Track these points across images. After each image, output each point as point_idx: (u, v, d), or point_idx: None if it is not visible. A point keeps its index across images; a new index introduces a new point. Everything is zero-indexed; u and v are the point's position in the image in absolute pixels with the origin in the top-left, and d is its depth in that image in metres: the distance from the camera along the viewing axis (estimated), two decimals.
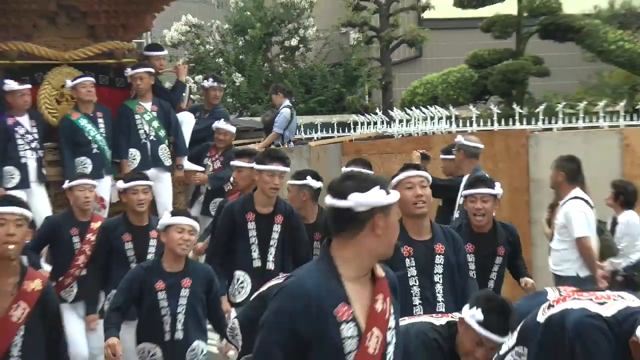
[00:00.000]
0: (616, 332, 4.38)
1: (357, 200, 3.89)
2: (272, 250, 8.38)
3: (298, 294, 3.90)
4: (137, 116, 10.49)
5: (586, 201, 9.20)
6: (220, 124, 11.61)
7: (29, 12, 9.98)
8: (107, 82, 10.49)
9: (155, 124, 10.54)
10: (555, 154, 10.26)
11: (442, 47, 22.48)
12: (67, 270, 8.91)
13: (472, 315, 5.19)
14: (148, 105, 10.51)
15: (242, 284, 8.50)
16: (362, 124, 15.92)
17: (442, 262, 6.99)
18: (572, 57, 19.00)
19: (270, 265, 8.35)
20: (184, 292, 7.34)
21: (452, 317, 5.51)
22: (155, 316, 7.25)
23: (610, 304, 4.58)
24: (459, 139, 10.23)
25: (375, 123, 15.74)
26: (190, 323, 7.42)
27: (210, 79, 12.56)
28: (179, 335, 7.35)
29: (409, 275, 6.78)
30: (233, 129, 11.90)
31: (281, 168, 8.27)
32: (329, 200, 3.98)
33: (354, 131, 15.63)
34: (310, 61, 24.30)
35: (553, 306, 4.88)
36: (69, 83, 10.16)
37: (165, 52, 11.95)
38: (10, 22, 9.89)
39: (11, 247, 5.92)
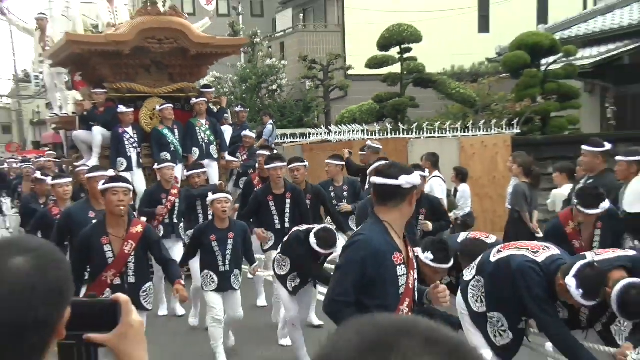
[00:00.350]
0: (545, 272, 4.55)
1: (406, 180, 3.73)
2: (287, 216, 8.54)
3: (367, 246, 3.82)
4: (197, 128, 12.26)
5: (442, 178, 10.59)
6: (246, 132, 13.37)
7: (134, 65, 12.15)
8: (179, 107, 12.34)
9: (208, 132, 12.30)
10: (423, 152, 11.45)
11: (358, 91, 24.76)
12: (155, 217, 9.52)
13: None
14: (203, 121, 12.34)
15: (268, 240, 8.83)
16: (314, 134, 17.19)
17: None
18: (431, 97, 20.57)
19: (287, 225, 8.46)
20: (230, 242, 7.32)
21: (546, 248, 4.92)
22: (212, 256, 7.33)
23: (541, 252, 4.66)
24: (368, 143, 11.94)
25: (321, 134, 17.09)
26: (232, 260, 7.40)
27: (240, 106, 14.47)
28: (227, 267, 7.33)
29: None
30: (253, 136, 13.73)
31: (279, 164, 8.68)
32: (380, 180, 3.81)
33: (309, 138, 16.92)
34: (283, 98, 27.75)
35: (501, 251, 4.89)
36: (158, 107, 12.08)
37: (213, 89, 13.90)
38: (122, 70, 12.13)
39: (122, 208, 5.98)
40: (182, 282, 6.28)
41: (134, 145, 11.67)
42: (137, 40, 11.40)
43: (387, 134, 14.78)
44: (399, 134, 14.70)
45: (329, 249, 6.91)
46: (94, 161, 11.21)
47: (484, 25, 25.82)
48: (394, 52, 18.20)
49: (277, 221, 8.52)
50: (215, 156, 12.21)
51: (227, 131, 12.86)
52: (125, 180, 6.14)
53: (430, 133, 14.50)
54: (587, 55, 17.87)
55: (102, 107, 11.85)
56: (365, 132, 15.02)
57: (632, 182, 6.93)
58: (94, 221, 6.34)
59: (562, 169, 8.78)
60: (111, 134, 11.61)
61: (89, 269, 6.01)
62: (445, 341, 0.86)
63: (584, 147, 7.48)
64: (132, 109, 11.78)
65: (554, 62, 17.11)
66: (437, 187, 9.81)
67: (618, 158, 7.20)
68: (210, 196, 7.32)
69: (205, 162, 11.62)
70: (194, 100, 12.13)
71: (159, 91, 12.01)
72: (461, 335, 4.69)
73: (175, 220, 9.55)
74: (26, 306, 1.28)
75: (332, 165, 9.79)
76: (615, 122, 17.48)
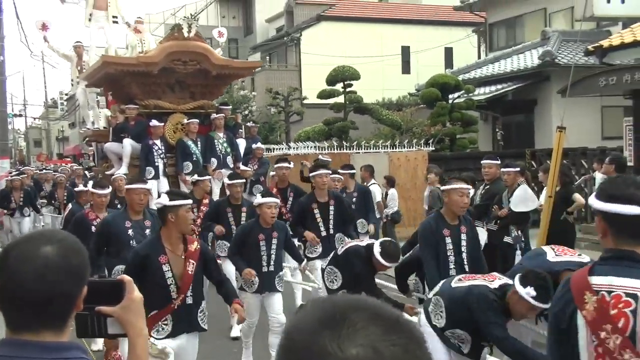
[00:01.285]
0: (498, 296, 3.97)
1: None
2: (331, 223, 7.17)
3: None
4: (215, 140, 11.13)
5: (377, 184, 10.59)
6: (257, 144, 12.18)
7: (161, 84, 11.11)
8: (200, 122, 11.08)
9: (225, 144, 11.19)
10: (362, 164, 11.32)
11: (311, 116, 24.20)
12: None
13: (527, 292, 3.74)
14: (221, 134, 11.27)
15: (315, 247, 7.12)
16: (277, 149, 17.36)
17: None
18: (367, 121, 20.42)
19: (332, 231, 7.21)
20: (274, 242, 5.90)
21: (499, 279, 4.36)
22: (257, 256, 5.82)
23: (495, 282, 4.05)
24: (320, 157, 11.81)
25: (282, 148, 17.42)
26: (276, 260, 5.96)
27: (252, 122, 13.81)
28: (271, 267, 5.90)
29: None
30: (263, 147, 12.82)
31: (324, 171, 7.36)
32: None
33: (273, 152, 16.30)
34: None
35: (461, 280, 4.28)
36: (185, 121, 11.05)
37: (230, 107, 12.36)
38: (150, 89, 11.11)
39: (192, 227, 5.39)
40: (240, 301, 4.95)
41: (161, 155, 10.69)
42: (164, 61, 10.61)
43: (334, 150, 15.25)
44: (343, 150, 15.07)
45: (392, 262, 5.30)
46: (123, 170, 10.34)
47: (406, 68, 27.82)
48: (339, 86, 18.57)
49: (322, 228, 7.09)
50: (231, 165, 11.09)
51: (241, 144, 11.75)
52: (187, 196, 4.63)
53: (367, 149, 14.68)
54: (482, 93, 18.79)
55: (133, 120, 10.94)
56: (317, 147, 15.20)
57: (517, 189, 7.08)
58: (148, 238, 4.91)
59: (466, 178, 7.90)
60: (141, 145, 10.65)
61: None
62: (388, 315, 0.85)
63: (488, 161, 7.61)
64: (162, 124, 10.91)
65: (458, 97, 17.96)
66: (376, 191, 9.83)
67: (506, 170, 7.33)
68: (259, 199, 5.94)
69: (223, 171, 10.87)
70: (214, 116, 11.19)
71: (182, 108, 11.09)
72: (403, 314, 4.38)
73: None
74: (53, 282, 1.35)
75: (344, 175, 8.52)
76: (503, 142, 18.28)
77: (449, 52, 27.37)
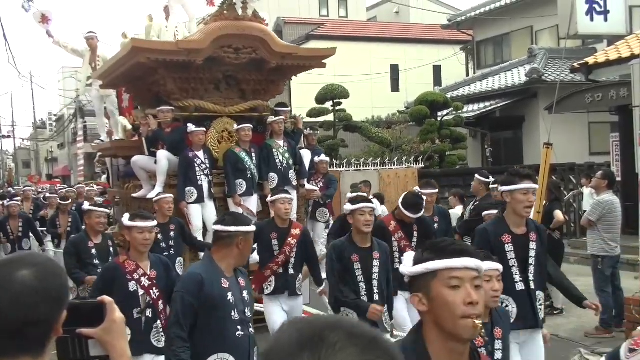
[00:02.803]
0: None
1: None
2: (532, 269, 4.00)
3: None
4: (274, 150, 8.05)
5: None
6: (321, 157, 9.21)
7: (204, 80, 7.91)
8: (252, 128, 7.95)
9: (287, 155, 8.07)
10: (352, 181, 11.03)
11: None
12: (266, 265, 5.61)
13: None
14: (281, 142, 8.15)
15: None
16: None
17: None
18: (357, 139, 19.32)
19: (532, 285, 4.05)
20: (375, 262, 4.58)
21: None
22: (353, 278, 4.57)
23: None
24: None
25: None
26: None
27: (309, 129, 10.05)
28: (292, 271, 5.50)
29: None
30: (328, 160, 9.60)
31: (433, 190, 6.15)
32: None
33: None
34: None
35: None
36: (235, 127, 7.90)
37: (289, 108, 9.09)
38: (190, 86, 7.89)
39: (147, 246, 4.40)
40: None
41: (206, 172, 7.61)
42: (211, 49, 7.49)
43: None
44: (334, 167, 14.29)
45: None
46: (158, 192, 7.13)
47: (395, 86, 25.85)
48: (328, 105, 18.01)
49: (517, 275, 4.31)
50: (294, 183, 8.08)
51: (306, 156, 8.67)
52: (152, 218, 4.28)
53: (357, 167, 14.33)
54: (471, 110, 18.19)
55: (168, 127, 7.75)
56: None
57: None
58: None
59: (456, 194, 8.81)
60: (180, 158, 7.54)
61: None
62: (364, 334, 0.84)
63: (478, 177, 7.40)
64: (203, 128, 7.71)
65: (447, 114, 17.39)
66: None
67: (501, 188, 6.78)
68: (348, 206, 4.64)
69: (253, 198, 7.83)
70: (271, 119, 8.09)
71: (230, 110, 7.98)
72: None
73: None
74: (30, 306, 1.27)
75: (426, 195, 6.18)
76: (492, 159, 17.71)
77: (437, 70, 26.13)
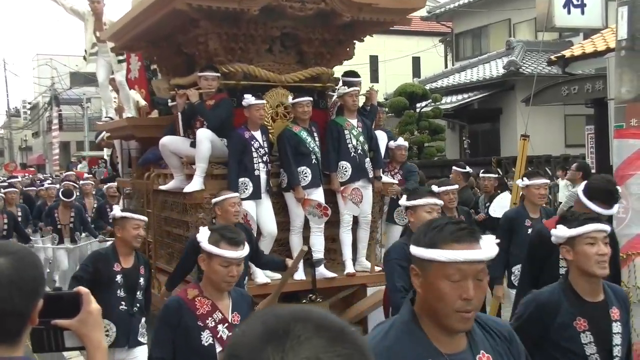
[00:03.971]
0: None
1: None
2: None
3: None
4: (346, 132, 5.67)
5: None
6: (400, 141, 6.74)
7: (256, 38, 5.54)
8: (312, 103, 5.62)
9: (361, 138, 5.70)
10: None
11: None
12: None
13: None
14: (354, 121, 5.76)
15: None
16: None
17: None
18: None
19: None
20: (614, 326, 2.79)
21: None
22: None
23: None
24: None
25: None
26: None
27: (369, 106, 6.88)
28: None
29: None
30: (406, 146, 6.88)
31: (542, 181, 4.99)
32: None
33: None
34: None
35: None
36: (290, 100, 5.63)
37: (361, 78, 6.43)
38: (239, 46, 5.49)
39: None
40: None
41: (264, 158, 5.33)
42: None
43: None
44: None
45: None
46: (197, 185, 5.10)
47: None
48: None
49: None
50: (371, 175, 5.72)
51: (383, 139, 6.22)
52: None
53: None
54: (449, 101, 17.19)
55: (211, 99, 5.38)
56: None
57: (498, 196, 6.69)
58: None
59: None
60: (231, 139, 5.28)
61: None
62: (332, 326, 0.77)
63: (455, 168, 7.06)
64: (262, 101, 5.38)
65: (425, 106, 16.59)
66: None
67: (485, 176, 7.09)
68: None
69: (359, 183, 5.53)
70: (342, 90, 5.70)
71: (286, 79, 5.66)
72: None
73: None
74: (4, 297, 1.17)
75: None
76: (469, 150, 17.18)
77: (416, 61, 24.80)
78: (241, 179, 5.17)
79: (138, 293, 4.00)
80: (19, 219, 8.30)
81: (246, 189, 5.18)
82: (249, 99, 5.23)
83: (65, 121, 35.02)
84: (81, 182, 10.80)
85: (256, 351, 0.74)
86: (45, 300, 1.27)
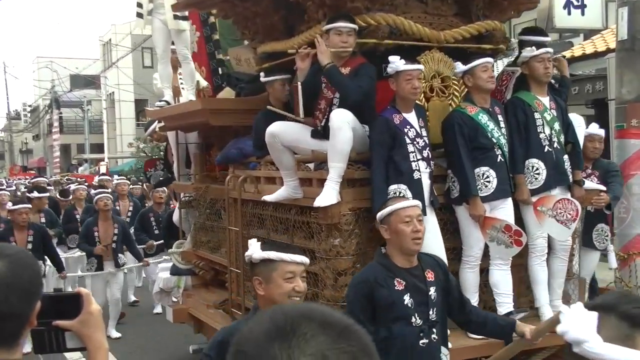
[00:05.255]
0: None
1: None
2: None
3: None
4: (536, 114, 3.38)
5: None
6: (593, 128, 4.31)
7: None
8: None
9: (557, 126, 3.38)
10: None
11: None
12: None
13: None
14: (546, 100, 3.42)
15: None
16: None
17: None
18: None
19: None
20: None
21: None
22: None
23: None
24: None
25: None
26: None
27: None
28: None
29: None
30: (602, 135, 4.35)
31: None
32: None
33: None
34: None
35: None
36: (460, 67, 3.27)
37: (550, 38, 4.10)
38: None
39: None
40: None
41: (424, 152, 3.08)
42: None
43: None
44: None
45: None
46: (332, 193, 2.90)
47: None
48: None
49: None
50: (570, 179, 3.48)
51: (580, 126, 3.80)
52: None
53: None
54: None
55: (343, 65, 3.17)
56: None
57: None
58: None
59: None
60: (373, 127, 3.08)
61: None
62: (338, 323, 0.74)
63: None
64: (418, 67, 3.09)
65: None
66: None
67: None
68: None
69: (556, 191, 3.30)
70: (528, 52, 3.43)
71: (446, 37, 3.43)
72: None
73: None
74: (1, 300, 1.10)
75: None
76: None
77: None
78: (392, 186, 3.01)
79: None
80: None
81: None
82: (395, 62, 3.02)
83: (66, 124, 32.98)
84: (115, 181, 8.63)
85: (263, 347, 0.71)
86: (46, 302, 1.21)
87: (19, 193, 10.49)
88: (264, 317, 0.74)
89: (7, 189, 8.63)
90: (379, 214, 2.41)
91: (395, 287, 2.28)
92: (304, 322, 0.73)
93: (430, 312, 2.32)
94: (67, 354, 3.84)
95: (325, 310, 0.75)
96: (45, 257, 5.58)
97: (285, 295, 1.94)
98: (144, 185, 9.09)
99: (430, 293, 2.33)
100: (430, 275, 2.36)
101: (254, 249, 2.00)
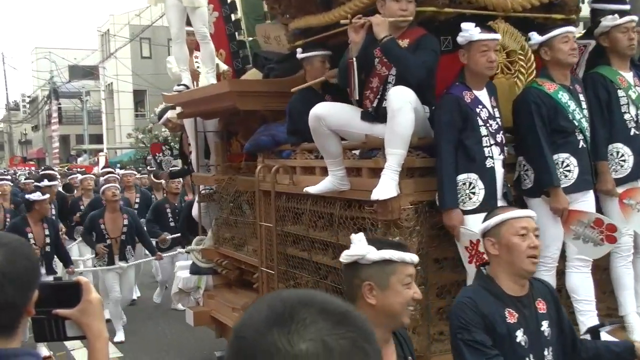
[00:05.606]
0: None
1: None
2: None
3: None
4: (620, 92, 2.85)
5: None
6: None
7: None
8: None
9: None
10: None
11: None
12: None
13: None
14: (629, 76, 2.89)
15: None
16: None
17: None
18: None
19: None
20: None
21: None
22: None
23: None
24: None
25: None
26: None
27: None
28: None
29: None
30: None
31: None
32: None
33: None
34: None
35: None
36: (536, 38, 2.73)
37: (628, 5, 3.17)
38: None
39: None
40: None
41: (498, 137, 2.58)
42: None
43: None
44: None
45: None
46: (392, 184, 2.37)
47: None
48: None
49: None
50: None
51: None
52: None
53: None
54: None
55: (401, 37, 2.66)
56: None
57: None
58: None
59: None
60: (439, 106, 2.58)
61: None
62: (336, 309, 0.73)
63: None
64: (495, 36, 2.58)
65: None
66: None
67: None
68: None
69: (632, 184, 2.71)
70: (611, 22, 2.90)
71: (512, 4, 2.90)
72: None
73: None
74: None
75: None
76: None
77: None
78: (462, 176, 2.57)
79: None
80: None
81: (473, 193, 2.56)
82: (471, 30, 2.55)
83: (65, 114, 32.32)
84: (121, 172, 8.13)
85: (262, 333, 0.71)
86: (46, 290, 1.20)
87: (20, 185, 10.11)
88: (262, 303, 0.73)
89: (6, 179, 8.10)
90: (484, 224, 1.92)
91: (507, 320, 1.79)
92: (303, 308, 0.71)
93: (546, 353, 1.84)
94: (67, 342, 3.64)
95: (324, 296, 0.74)
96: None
97: (405, 304, 1.56)
98: (152, 175, 8.53)
99: (542, 328, 1.85)
100: (542, 307, 1.87)
101: (366, 248, 1.56)
